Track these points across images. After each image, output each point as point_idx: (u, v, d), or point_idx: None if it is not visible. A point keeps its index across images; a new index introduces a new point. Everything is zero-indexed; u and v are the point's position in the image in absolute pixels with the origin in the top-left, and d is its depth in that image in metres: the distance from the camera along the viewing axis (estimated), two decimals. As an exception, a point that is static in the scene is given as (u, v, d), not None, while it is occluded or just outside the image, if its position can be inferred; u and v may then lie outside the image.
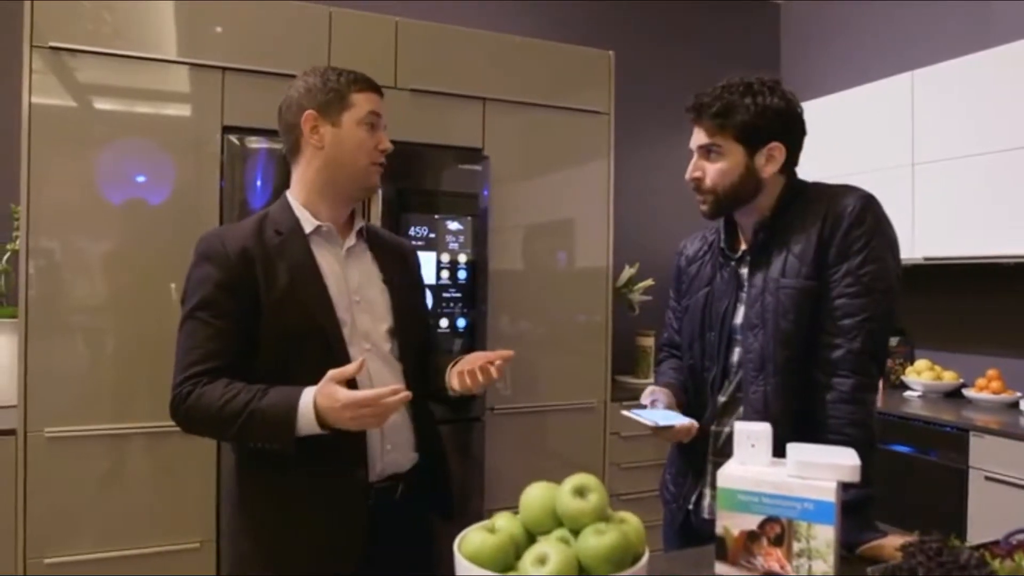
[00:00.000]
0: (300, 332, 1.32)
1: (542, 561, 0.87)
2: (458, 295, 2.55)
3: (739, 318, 1.48)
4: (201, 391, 1.26)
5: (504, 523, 0.98)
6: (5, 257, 2.43)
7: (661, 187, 3.84)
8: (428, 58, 2.62)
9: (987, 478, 2.44)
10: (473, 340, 2.57)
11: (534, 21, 3.41)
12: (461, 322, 2.56)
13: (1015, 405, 2.77)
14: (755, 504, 1.12)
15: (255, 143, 2.33)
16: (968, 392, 2.93)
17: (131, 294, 2.24)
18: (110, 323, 2.23)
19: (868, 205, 1.35)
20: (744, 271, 1.48)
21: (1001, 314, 2.91)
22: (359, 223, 1.47)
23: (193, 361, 1.28)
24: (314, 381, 1.24)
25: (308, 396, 1.23)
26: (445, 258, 2.53)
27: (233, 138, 2.30)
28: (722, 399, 1.51)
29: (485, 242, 2.60)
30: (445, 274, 2.53)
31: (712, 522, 1.47)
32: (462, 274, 2.56)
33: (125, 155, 2.24)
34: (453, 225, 2.53)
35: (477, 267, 2.59)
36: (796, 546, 1.09)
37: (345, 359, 1.33)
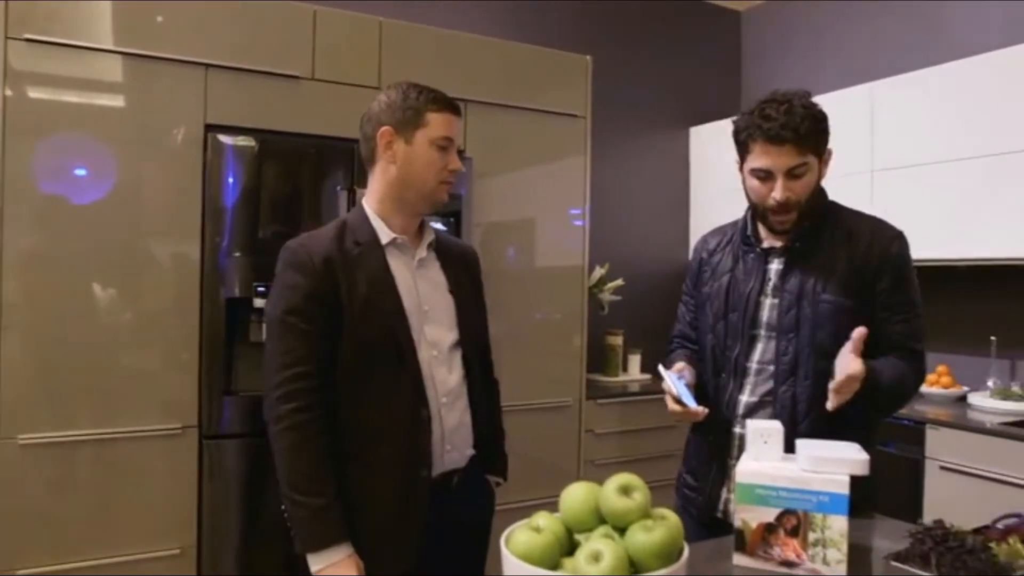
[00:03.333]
0: (376, 340, 1.40)
1: (596, 558, 0.91)
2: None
3: (766, 313, 1.54)
4: (301, 435, 1.34)
5: (546, 522, 1.02)
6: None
7: (631, 190, 3.94)
8: (412, 59, 2.63)
9: (941, 467, 2.60)
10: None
11: (514, 25, 3.46)
12: (444, 322, 2.58)
13: (963, 399, 2.95)
14: (772, 498, 1.19)
15: (241, 141, 2.30)
16: (921, 388, 3.10)
17: (79, 296, 2.18)
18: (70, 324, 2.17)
19: (906, 240, 1.53)
20: (774, 267, 1.56)
21: (950, 315, 3.09)
22: (429, 235, 1.56)
23: (288, 363, 1.36)
24: (385, 386, 1.40)
25: (341, 552, 1.33)
26: (430, 259, 2.55)
27: (219, 136, 2.27)
28: (751, 399, 1.55)
29: (475, 243, 2.62)
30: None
31: (727, 522, 1.53)
32: (446, 275, 2.58)
33: (101, 151, 2.18)
34: (435, 225, 2.54)
35: (460, 268, 2.61)
36: (812, 536, 1.16)
37: (415, 366, 1.43)
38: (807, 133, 1.43)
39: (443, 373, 1.48)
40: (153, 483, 2.22)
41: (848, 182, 3.14)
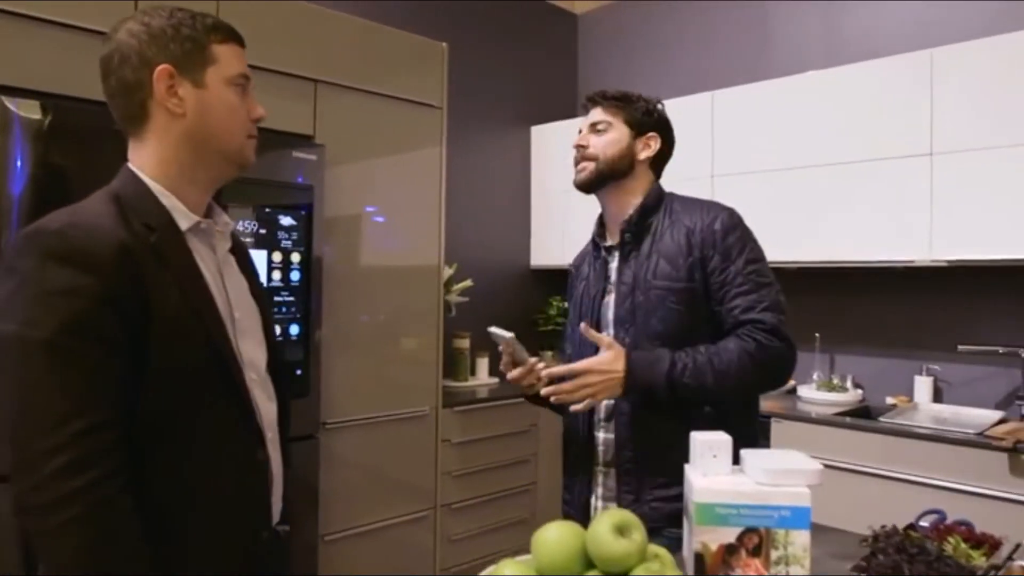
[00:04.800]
0: (198, 364, 1.03)
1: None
2: (291, 299, 2.26)
3: (610, 312, 1.59)
4: (111, 518, 0.91)
5: (515, 572, 0.84)
6: None
7: (475, 187, 3.80)
8: (252, 27, 2.27)
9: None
10: (307, 350, 2.29)
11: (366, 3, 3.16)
12: (294, 329, 2.27)
13: (793, 391, 3.16)
14: (733, 516, 1.10)
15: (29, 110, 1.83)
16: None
17: None
18: None
19: (734, 214, 1.55)
20: (613, 265, 1.61)
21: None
22: (222, 215, 1.18)
23: (72, 412, 0.90)
24: (210, 425, 1.03)
25: None
26: (277, 257, 2.23)
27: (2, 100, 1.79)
28: (606, 401, 1.53)
29: (321, 239, 2.34)
30: (277, 275, 2.23)
31: None
32: (295, 275, 2.28)
33: None
34: (286, 220, 2.24)
35: (311, 267, 2.31)
36: (774, 554, 1.09)
37: (245, 394, 1.09)
38: (612, 97, 1.61)
39: (264, 402, 1.15)
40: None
41: (689, 186, 3.25)
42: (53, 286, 0.92)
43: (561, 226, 3.95)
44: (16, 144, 1.84)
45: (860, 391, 3.08)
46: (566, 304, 3.83)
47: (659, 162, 1.66)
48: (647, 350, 1.47)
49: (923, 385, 2.93)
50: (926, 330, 2.97)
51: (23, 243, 0.97)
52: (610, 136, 1.59)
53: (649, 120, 1.62)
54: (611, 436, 1.54)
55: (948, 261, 2.63)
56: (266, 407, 1.15)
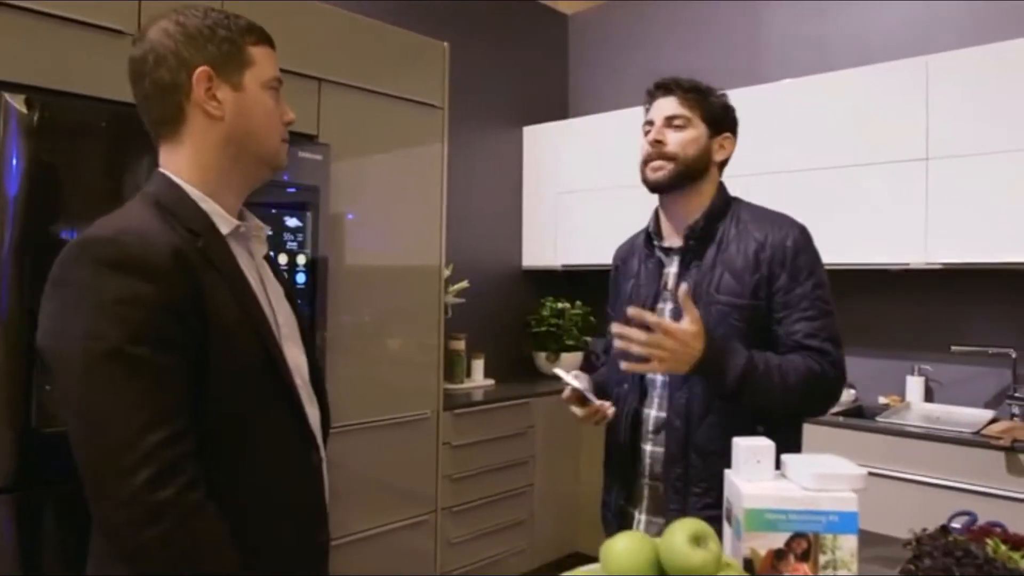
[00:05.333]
0: (254, 369, 1.01)
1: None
2: (299, 301, 2.22)
3: (667, 319, 1.48)
4: (205, 522, 0.90)
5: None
6: None
7: (470, 187, 3.78)
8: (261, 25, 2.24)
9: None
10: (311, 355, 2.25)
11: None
12: (299, 333, 2.23)
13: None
14: (782, 522, 1.10)
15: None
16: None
17: None
18: None
19: (806, 232, 1.47)
20: (670, 270, 1.53)
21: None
22: (254, 219, 1.16)
23: (150, 423, 0.87)
24: (270, 430, 1.02)
25: None
26: (283, 259, 2.19)
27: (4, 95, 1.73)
28: (660, 414, 1.49)
29: (327, 240, 2.30)
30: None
31: None
32: (301, 277, 2.24)
33: None
34: (292, 221, 2.20)
35: (318, 269, 2.28)
36: (822, 559, 1.10)
37: (298, 401, 1.08)
38: (689, 88, 1.51)
39: (310, 407, 1.14)
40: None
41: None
42: (113, 295, 0.89)
43: (553, 227, 3.95)
44: (12, 141, 1.78)
45: (853, 391, 3.13)
46: (559, 305, 3.87)
47: (727, 163, 1.57)
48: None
49: (915, 385, 2.98)
50: (920, 331, 3.03)
51: (74, 253, 0.93)
52: (689, 134, 1.48)
53: (726, 118, 1.53)
54: (659, 450, 1.48)
55: (943, 264, 2.68)
56: (312, 412, 1.14)
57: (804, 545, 1.10)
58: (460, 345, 3.45)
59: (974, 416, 2.73)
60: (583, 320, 3.94)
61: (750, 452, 1.18)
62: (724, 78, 3.55)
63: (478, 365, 3.54)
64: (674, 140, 1.48)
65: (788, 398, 1.39)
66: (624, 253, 1.67)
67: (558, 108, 4.29)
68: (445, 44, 2.82)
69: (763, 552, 1.10)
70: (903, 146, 2.76)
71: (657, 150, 1.48)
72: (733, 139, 1.54)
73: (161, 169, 1.08)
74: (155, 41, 1.03)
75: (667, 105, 1.50)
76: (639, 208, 3.57)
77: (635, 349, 1.31)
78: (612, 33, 4.20)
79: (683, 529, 0.84)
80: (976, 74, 2.60)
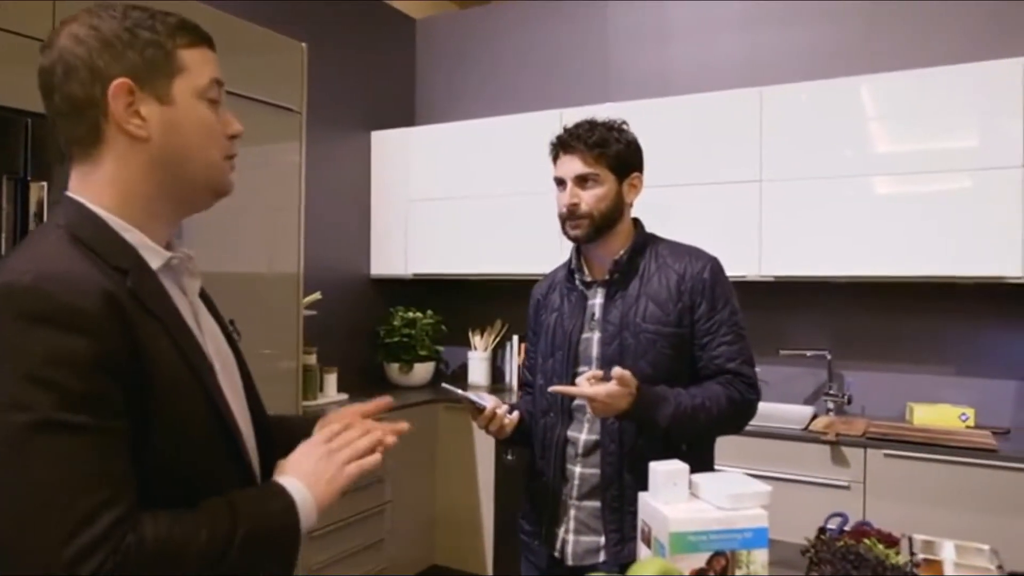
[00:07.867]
0: (200, 424, 0.88)
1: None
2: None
3: (594, 350, 1.56)
4: (136, 541, 0.75)
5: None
6: None
7: (318, 194, 3.59)
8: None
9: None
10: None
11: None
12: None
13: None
14: (703, 542, 1.16)
15: None
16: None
17: None
18: None
19: (718, 264, 1.60)
20: (595, 302, 1.59)
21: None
22: (181, 247, 0.99)
23: (81, 491, 0.73)
24: (214, 488, 0.87)
25: (288, 481, 0.91)
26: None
27: None
28: (590, 437, 1.54)
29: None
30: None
31: (576, 569, 1.50)
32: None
33: None
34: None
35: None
36: (739, 573, 1.17)
37: (248, 459, 0.96)
38: (593, 144, 1.52)
39: (254, 456, 1.01)
40: None
41: (529, 201, 3.35)
42: (42, 355, 0.75)
43: (403, 235, 3.88)
44: None
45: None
46: (410, 314, 3.79)
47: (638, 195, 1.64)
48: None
49: (746, 385, 3.27)
50: (752, 337, 3.31)
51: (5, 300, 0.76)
52: (600, 191, 1.53)
53: (631, 158, 1.58)
54: (589, 471, 1.53)
55: (775, 277, 2.97)
56: (255, 460, 1.00)
57: (723, 562, 1.16)
58: (311, 360, 3.28)
59: (798, 413, 3.04)
60: (434, 329, 3.90)
61: (667, 476, 1.23)
62: (571, 95, 3.70)
63: (331, 379, 3.38)
64: (587, 199, 1.53)
65: (712, 428, 1.54)
66: (544, 289, 1.73)
67: (406, 114, 4.22)
68: (303, 45, 2.66)
69: (687, 572, 1.15)
70: (739, 168, 3.01)
71: (572, 211, 1.54)
72: (641, 174, 1.62)
73: (71, 194, 0.90)
74: (64, 49, 0.87)
75: (573, 165, 1.54)
76: (489, 219, 3.62)
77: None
78: (459, 41, 4.20)
79: (652, 567, 0.85)
80: (805, 106, 2.91)
